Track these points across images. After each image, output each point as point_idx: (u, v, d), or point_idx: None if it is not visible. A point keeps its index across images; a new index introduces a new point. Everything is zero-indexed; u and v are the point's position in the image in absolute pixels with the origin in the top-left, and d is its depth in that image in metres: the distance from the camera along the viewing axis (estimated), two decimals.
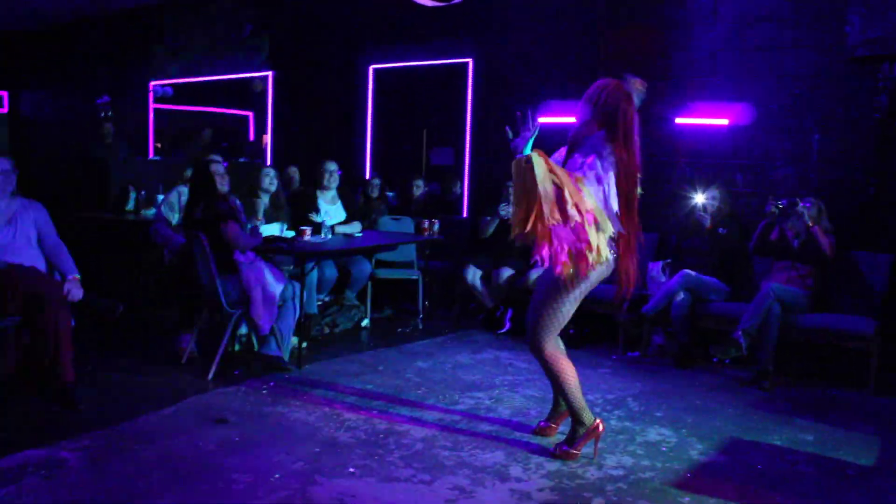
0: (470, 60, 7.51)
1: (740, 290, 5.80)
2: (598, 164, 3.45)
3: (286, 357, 5.18)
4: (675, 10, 6.38)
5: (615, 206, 3.50)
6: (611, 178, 3.47)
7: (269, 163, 9.10)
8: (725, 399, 4.88)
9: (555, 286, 3.60)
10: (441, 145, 8.45)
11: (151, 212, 7.28)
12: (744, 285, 5.83)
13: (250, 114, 12.01)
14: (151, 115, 10.30)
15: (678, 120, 6.24)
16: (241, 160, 9.81)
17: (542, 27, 7.09)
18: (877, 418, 4.61)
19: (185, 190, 5.78)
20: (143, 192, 7.78)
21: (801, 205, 5.43)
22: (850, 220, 5.68)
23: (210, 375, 4.87)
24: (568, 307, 3.66)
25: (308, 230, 5.76)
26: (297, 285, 5.23)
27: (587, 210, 3.32)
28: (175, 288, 5.60)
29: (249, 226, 5.53)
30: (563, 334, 5.97)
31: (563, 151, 3.72)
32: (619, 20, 6.67)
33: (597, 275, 3.58)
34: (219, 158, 5.16)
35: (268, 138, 10.49)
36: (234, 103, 12.02)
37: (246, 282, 4.96)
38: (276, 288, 5.03)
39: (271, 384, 4.81)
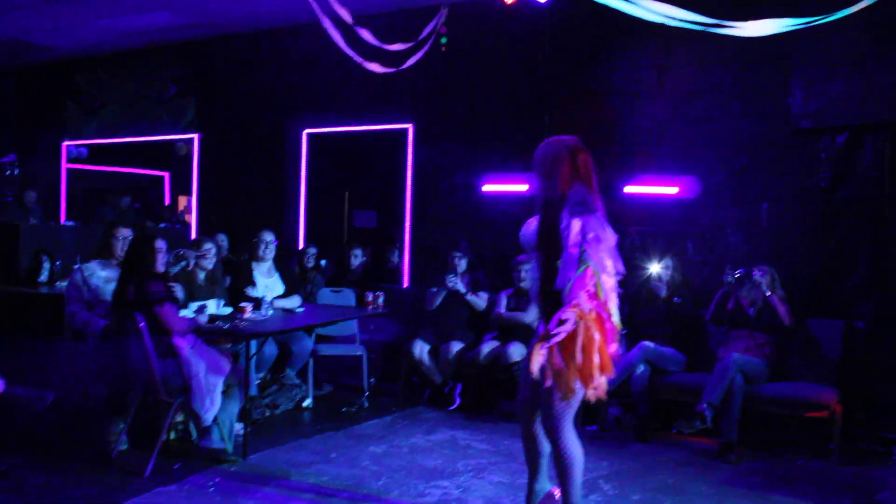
0: (410, 126, 7.33)
1: (697, 359, 5.72)
2: (594, 221, 3.26)
3: (230, 448, 4.76)
4: (622, 80, 6.38)
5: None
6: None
7: (193, 229, 8.64)
8: (696, 475, 4.75)
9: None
10: (363, 208, 8.24)
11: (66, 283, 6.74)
12: (700, 355, 5.76)
13: (166, 174, 11.52)
14: (64, 177, 9.69)
15: (627, 189, 6.18)
16: (162, 225, 9.32)
17: (486, 94, 6.99)
18: (851, 491, 4.55)
19: (89, 266, 5.31)
20: (58, 262, 7.21)
21: (756, 273, 5.43)
22: (801, 288, 5.70)
23: (147, 472, 4.40)
24: (579, 390, 3.33)
25: (248, 307, 5.38)
26: (241, 369, 4.85)
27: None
28: (101, 373, 5.10)
29: (196, 304, 5.13)
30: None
31: (534, 221, 3.52)
32: (565, 89, 6.63)
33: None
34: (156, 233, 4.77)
35: (186, 201, 10.04)
36: (148, 163, 11.51)
37: (187, 368, 4.54)
38: (220, 374, 4.63)
39: (217, 480, 4.38)
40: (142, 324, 4.41)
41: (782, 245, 5.86)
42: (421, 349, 6.27)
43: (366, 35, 5.05)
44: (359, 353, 6.39)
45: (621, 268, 3.29)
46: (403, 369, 6.51)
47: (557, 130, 6.52)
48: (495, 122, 6.93)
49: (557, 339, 3.03)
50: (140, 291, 4.53)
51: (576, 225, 3.21)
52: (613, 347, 3.19)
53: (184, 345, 4.57)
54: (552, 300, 3.25)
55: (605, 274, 3.18)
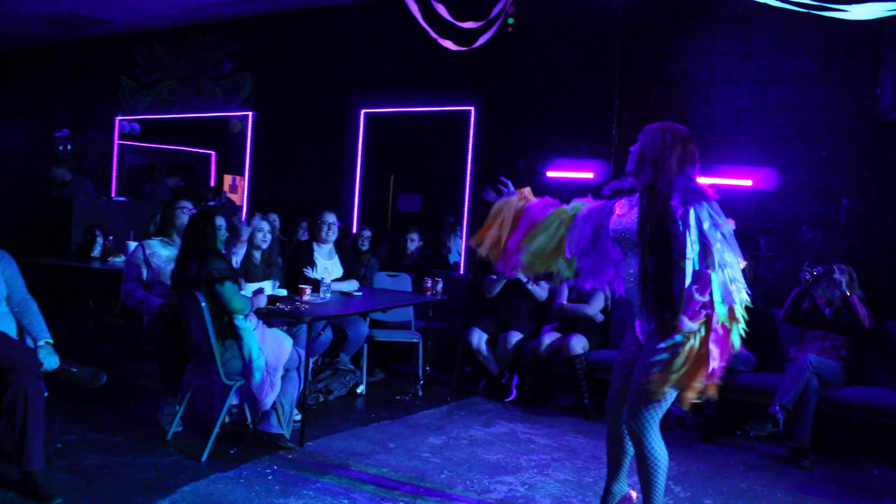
0: (472, 108, 7.13)
1: (766, 360, 5.50)
2: (711, 208, 3.05)
3: (287, 434, 4.64)
4: (697, 66, 6.13)
5: None
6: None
7: (244, 209, 8.55)
8: (769, 481, 4.56)
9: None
10: (410, 192, 8.07)
11: (120, 259, 6.68)
12: (770, 355, 5.53)
13: (212, 153, 11.46)
14: (116, 153, 9.65)
15: (699, 180, 5.93)
16: (212, 203, 9.24)
17: (553, 77, 6.77)
18: None
19: (151, 244, 5.22)
20: (111, 238, 7.15)
21: (835, 272, 5.19)
22: (880, 288, 5.45)
23: (204, 457, 4.30)
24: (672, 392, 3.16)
25: (308, 289, 5.26)
26: (303, 353, 4.72)
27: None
28: (157, 353, 5.00)
29: (252, 286, 5.01)
30: (580, 405, 5.70)
31: (626, 210, 3.31)
32: (637, 74, 6.39)
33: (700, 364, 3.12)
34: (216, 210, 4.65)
35: (231, 180, 9.96)
36: (195, 141, 11.45)
37: (248, 350, 4.42)
38: (281, 358, 4.51)
39: (275, 467, 4.27)
40: (203, 303, 4.29)
41: (862, 243, 5.60)
42: (479, 338, 6.11)
43: (441, 10, 4.87)
44: (415, 340, 6.25)
45: (740, 257, 3.08)
46: (459, 358, 6.36)
47: (627, 118, 6.38)
48: (561, 108, 6.72)
49: (663, 362, 2.94)
50: (202, 269, 4.42)
51: (692, 214, 3.01)
52: (722, 364, 3.00)
53: (245, 326, 4.45)
54: (660, 300, 3.06)
55: (728, 268, 2.98)
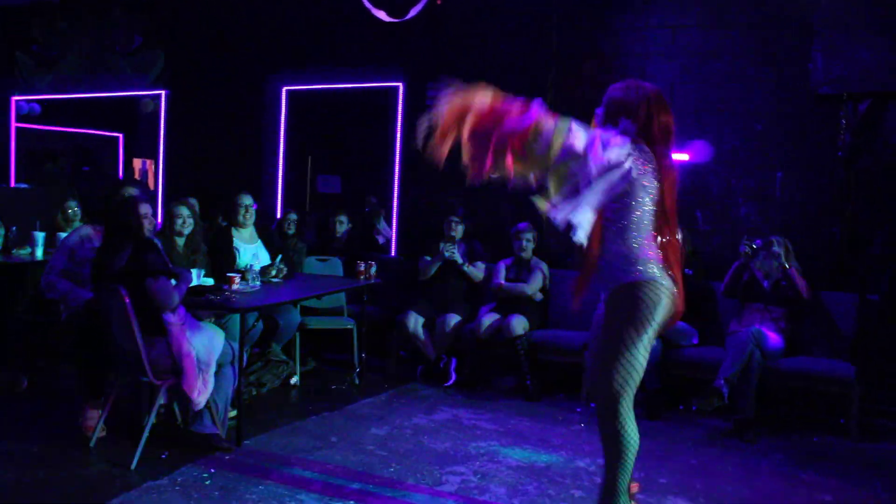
0: (401, 85, 6.88)
1: (707, 333, 5.51)
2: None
3: (223, 433, 4.35)
4: (632, 40, 6.04)
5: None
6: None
7: (159, 194, 8.09)
8: (719, 455, 4.57)
9: (624, 333, 2.96)
10: (328, 173, 7.77)
11: (26, 251, 6.18)
12: (711, 329, 5.54)
13: (120, 135, 10.85)
14: (13, 136, 8.97)
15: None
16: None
17: (486, 52, 6.57)
18: (877, 469, 4.44)
19: (87, 233, 4.82)
20: (13, 228, 6.61)
21: (775, 245, 5.21)
22: (814, 260, 5.50)
23: (133, 464, 3.97)
24: (643, 357, 2.99)
25: (236, 277, 4.96)
26: (236, 346, 4.43)
27: None
28: (77, 352, 4.62)
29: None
30: (522, 386, 5.59)
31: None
32: (571, 48, 6.26)
33: (662, 311, 2.98)
34: (143, 196, 4.30)
35: (141, 164, 9.42)
36: (102, 123, 10.83)
37: (177, 347, 4.10)
38: (213, 353, 4.22)
39: (212, 471, 3.99)
40: (127, 299, 3.96)
41: (797, 216, 5.64)
42: (415, 322, 5.92)
43: None
44: (349, 326, 6.01)
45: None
46: (395, 344, 6.16)
47: (562, 92, 6.25)
48: (495, 82, 6.47)
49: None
50: (135, 262, 4.07)
51: None
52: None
53: (174, 321, 4.13)
54: None
55: None
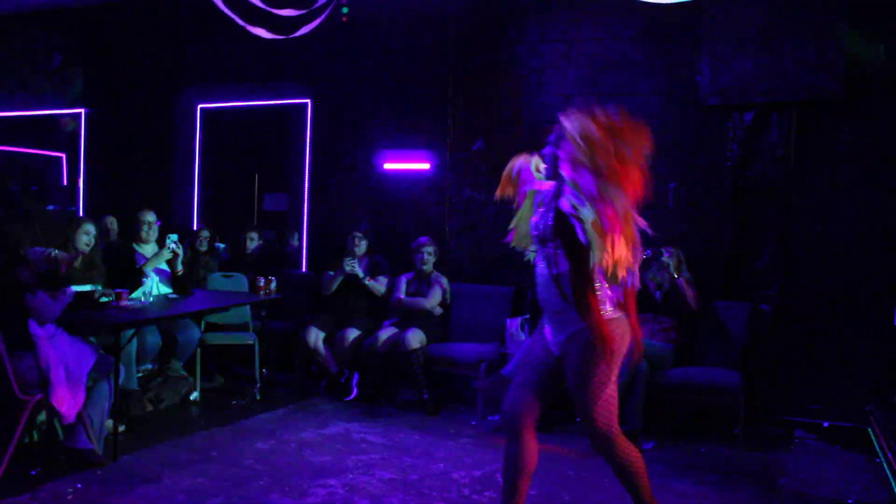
0: (308, 101, 6.93)
1: None
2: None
3: (99, 449, 4.34)
4: (528, 55, 6.13)
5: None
6: None
7: (81, 211, 8.07)
8: (598, 467, 4.51)
9: (599, 371, 3.03)
10: (275, 191, 7.81)
11: None
12: None
13: (63, 155, 10.86)
14: None
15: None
16: (50, 207, 8.72)
17: (388, 67, 6.64)
18: (753, 477, 4.49)
19: None
20: None
21: (664, 255, 5.28)
22: (707, 269, 5.58)
23: None
24: (615, 388, 3.11)
25: (125, 293, 4.97)
26: (111, 360, 4.43)
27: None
28: None
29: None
30: (420, 400, 5.61)
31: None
32: (471, 62, 6.34)
33: (625, 346, 3.09)
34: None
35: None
36: (45, 143, 10.86)
37: (45, 360, 4.10)
38: (84, 366, 4.21)
39: (78, 486, 3.98)
40: None
41: (689, 226, 5.72)
42: (316, 337, 5.95)
43: None
44: (250, 342, 6.01)
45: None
46: (299, 358, 6.17)
47: (462, 107, 6.33)
48: (396, 99, 6.59)
49: None
50: (9, 276, 4.09)
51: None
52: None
53: (41, 334, 4.13)
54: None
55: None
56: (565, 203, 2.99)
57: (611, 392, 3.08)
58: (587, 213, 2.90)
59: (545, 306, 3.18)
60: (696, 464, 4.68)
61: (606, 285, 3.04)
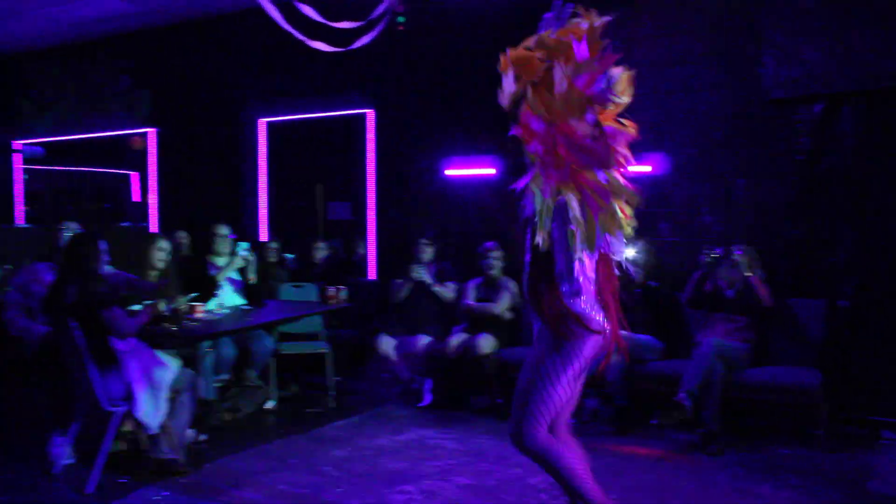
0: (370, 111, 7.01)
1: (677, 346, 5.46)
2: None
3: (182, 458, 4.45)
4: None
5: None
6: None
7: (154, 227, 8.31)
8: (677, 469, 4.50)
9: (549, 365, 2.99)
10: (338, 200, 7.92)
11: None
12: (680, 341, 5.50)
13: (133, 173, 11.24)
14: (20, 178, 9.28)
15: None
16: (124, 224, 9.00)
17: (449, 74, 6.67)
18: (840, 480, 4.32)
19: (34, 269, 5.01)
20: (6, 267, 6.86)
21: (735, 253, 5.19)
22: (781, 267, 5.45)
23: (90, 488, 4.10)
24: (562, 390, 3.00)
25: (200, 306, 5.09)
26: (191, 372, 4.54)
27: None
28: (44, 383, 4.79)
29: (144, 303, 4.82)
30: (494, 405, 5.61)
31: None
32: None
33: (591, 348, 3.03)
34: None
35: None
36: (115, 162, 11.27)
37: (128, 374, 4.24)
38: (165, 378, 4.33)
39: (165, 494, 4.09)
40: (77, 331, 4.10)
41: (760, 222, 5.59)
42: (388, 344, 5.99)
43: (308, 11, 4.73)
44: (323, 351, 6.09)
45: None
46: (371, 366, 6.23)
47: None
48: (460, 103, 6.61)
49: None
50: (85, 294, 4.23)
51: None
52: None
53: (123, 349, 4.27)
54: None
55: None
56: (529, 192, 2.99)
57: (561, 393, 2.97)
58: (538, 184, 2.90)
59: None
60: (778, 466, 4.55)
61: (582, 278, 2.96)
